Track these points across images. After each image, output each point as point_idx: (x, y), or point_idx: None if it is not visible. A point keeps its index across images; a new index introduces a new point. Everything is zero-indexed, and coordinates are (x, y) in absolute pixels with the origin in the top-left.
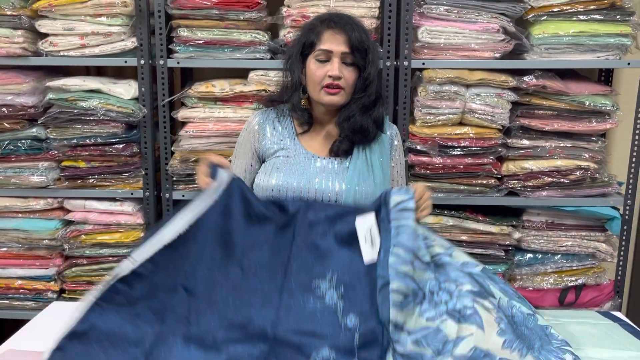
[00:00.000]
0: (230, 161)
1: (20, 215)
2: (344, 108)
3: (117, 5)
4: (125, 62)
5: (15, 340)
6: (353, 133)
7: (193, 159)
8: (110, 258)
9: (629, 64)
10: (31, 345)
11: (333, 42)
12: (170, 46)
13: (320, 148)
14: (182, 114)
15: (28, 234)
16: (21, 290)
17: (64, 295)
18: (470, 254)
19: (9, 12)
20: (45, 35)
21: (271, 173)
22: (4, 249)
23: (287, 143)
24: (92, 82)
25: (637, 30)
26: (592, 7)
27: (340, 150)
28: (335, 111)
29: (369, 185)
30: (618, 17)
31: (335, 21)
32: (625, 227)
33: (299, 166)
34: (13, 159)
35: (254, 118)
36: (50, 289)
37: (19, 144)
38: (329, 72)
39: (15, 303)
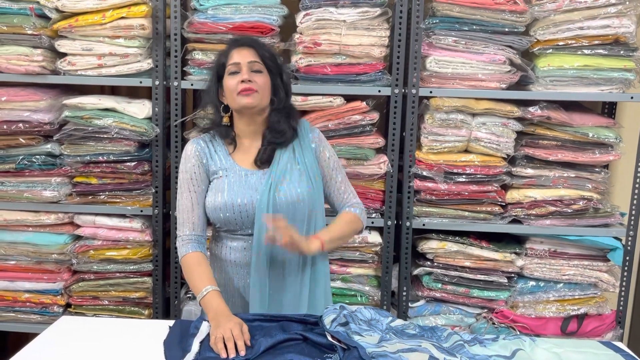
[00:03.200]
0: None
1: (30, 229)
2: (273, 111)
3: (135, 28)
4: (141, 82)
5: (25, 354)
6: (275, 134)
7: None
8: (118, 274)
9: (632, 97)
10: (41, 359)
11: (239, 56)
12: (184, 68)
13: (250, 162)
14: (193, 134)
15: (37, 247)
16: (28, 304)
17: (70, 309)
18: (473, 280)
19: (29, 32)
20: (64, 54)
21: (216, 193)
22: (13, 262)
23: (223, 163)
24: (107, 101)
25: None
26: (596, 42)
27: (264, 159)
28: (257, 120)
29: (293, 184)
30: (622, 52)
31: (239, 40)
32: (627, 258)
33: (238, 183)
34: (27, 173)
35: (192, 144)
36: (56, 302)
37: (34, 159)
38: (240, 78)
39: (21, 316)
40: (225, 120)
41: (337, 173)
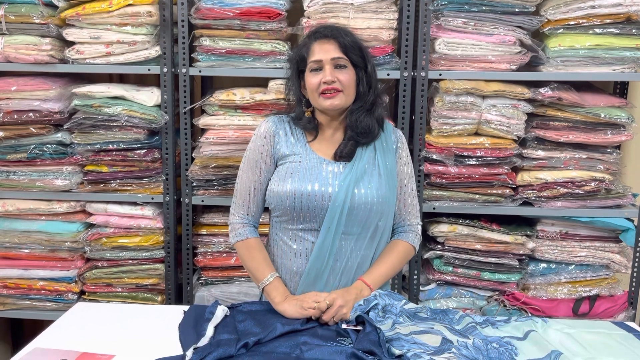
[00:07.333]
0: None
1: (43, 217)
2: (351, 111)
3: (142, 15)
4: (149, 70)
5: (42, 339)
6: (358, 134)
7: (213, 165)
8: (130, 261)
9: None
10: (57, 344)
11: (321, 52)
12: (192, 55)
13: (329, 153)
14: (203, 121)
15: (51, 236)
16: (43, 291)
17: (84, 296)
18: (484, 262)
19: (37, 21)
20: (72, 43)
21: (285, 178)
22: (27, 251)
23: (298, 149)
24: (116, 89)
25: None
26: (608, 21)
27: (344, 153)
28: (339, 116)
29: (372, 186)
30: (634, 31)
31: (321, 32)
32: (639, 239)
33: (312, 171)
34: (38, 162)
35: (267, 123)
36: (71, 290)
37: (45, 149)
38: (322, 78)
39: (36, 304)
40: (307, 115)
41: (406, 183)
